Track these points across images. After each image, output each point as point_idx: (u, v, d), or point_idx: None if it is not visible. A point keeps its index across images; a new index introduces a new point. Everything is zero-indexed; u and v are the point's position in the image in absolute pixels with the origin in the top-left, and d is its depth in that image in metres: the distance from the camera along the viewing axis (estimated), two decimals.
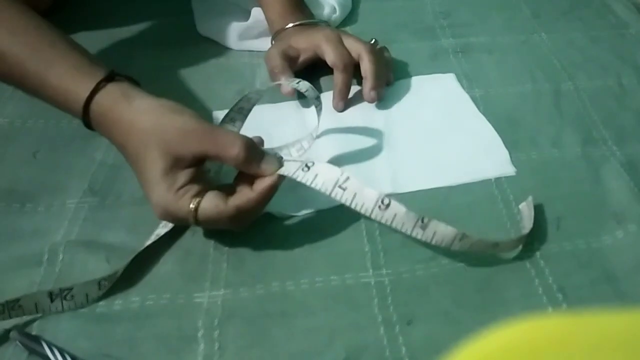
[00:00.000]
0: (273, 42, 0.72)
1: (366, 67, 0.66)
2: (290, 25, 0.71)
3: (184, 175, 0.47)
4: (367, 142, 0.63)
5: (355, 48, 0.67)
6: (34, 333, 0.44)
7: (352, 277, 0.49)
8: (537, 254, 0.51)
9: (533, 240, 0.52)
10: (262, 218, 0.53)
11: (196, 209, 0.46)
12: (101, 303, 0.47)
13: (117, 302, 0.47)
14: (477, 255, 0.50)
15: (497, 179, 0.58)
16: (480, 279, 0.49)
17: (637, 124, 0.65)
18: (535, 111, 0.67)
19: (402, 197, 0.55)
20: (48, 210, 0.54)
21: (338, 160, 0.59)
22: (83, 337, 0.44)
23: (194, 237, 0.52)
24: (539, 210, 0.55)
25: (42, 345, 0.43)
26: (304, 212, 0.54)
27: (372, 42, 0.70)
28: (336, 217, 0.54)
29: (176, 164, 0.47)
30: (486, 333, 0.21)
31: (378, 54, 0.69)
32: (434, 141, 0.63)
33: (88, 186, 0.57)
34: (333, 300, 0.47)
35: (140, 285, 0.48)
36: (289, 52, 0.68)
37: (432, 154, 0.61)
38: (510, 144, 0.62)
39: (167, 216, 0.48)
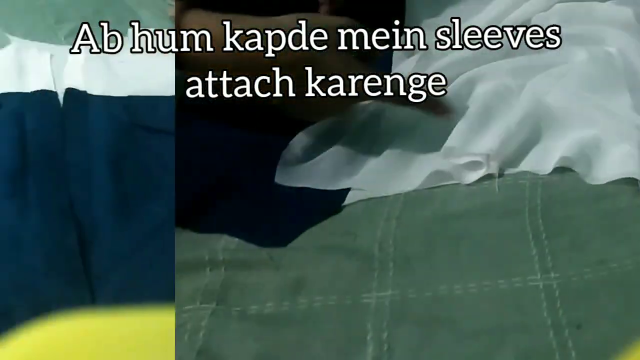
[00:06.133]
0: None
1: None
2: None
3: None
4: None
5: None
6: None
7: (520, 280, 0.47)
8: None
9: None
10: (429, 219, 0.53)
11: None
12: (268, 304, 0.47)
13: (285, 304, 0.47)
14: None
15: None
16: None
17: None
18: None
19: None
20: None
21: None
22: (252, 339, 0.45)
23: (355, 242, 0.52)
24: None
25: None
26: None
27: None
28: (498, 220, 0.53)
29: None
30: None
31: None
32: None
33: None
34: (501, 304, 0.45)
35: (306, 286, 0.48)
36: None
37: None
38: None
39: None
